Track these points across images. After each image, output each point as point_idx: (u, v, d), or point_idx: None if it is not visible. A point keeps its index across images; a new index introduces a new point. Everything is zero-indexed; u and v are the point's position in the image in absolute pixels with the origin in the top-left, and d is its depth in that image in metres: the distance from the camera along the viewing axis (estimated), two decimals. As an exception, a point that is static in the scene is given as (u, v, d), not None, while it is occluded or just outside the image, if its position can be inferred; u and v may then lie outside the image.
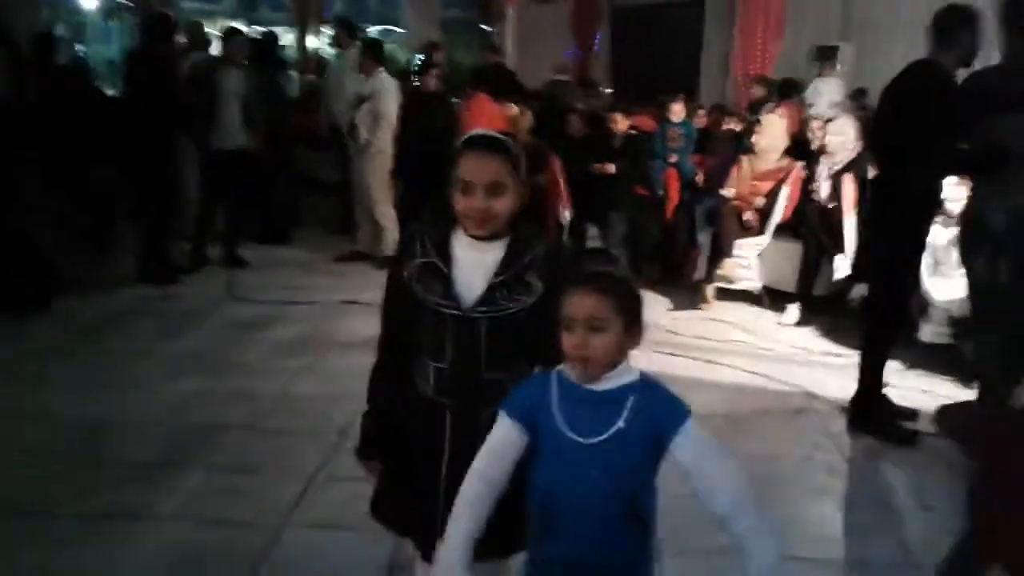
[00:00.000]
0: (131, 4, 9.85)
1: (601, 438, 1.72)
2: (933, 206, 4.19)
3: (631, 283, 1.79)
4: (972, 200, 4.02)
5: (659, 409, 1.74)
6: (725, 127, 7.63)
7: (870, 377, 4.20)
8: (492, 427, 1.85)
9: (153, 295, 6.03)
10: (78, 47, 18.68)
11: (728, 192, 6.20)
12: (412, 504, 2.09)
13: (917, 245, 4.20)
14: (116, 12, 15.34)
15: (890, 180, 4.15)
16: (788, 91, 8.72)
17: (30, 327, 5.28)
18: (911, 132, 3.86)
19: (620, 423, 1.72)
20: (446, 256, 2.03)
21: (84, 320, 5.47)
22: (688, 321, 5.85)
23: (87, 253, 6.78)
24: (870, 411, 4.18)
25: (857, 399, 4.23)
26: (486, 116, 7.13)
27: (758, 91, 9.42)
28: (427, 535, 2.02)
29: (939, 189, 4.24)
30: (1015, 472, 2.24)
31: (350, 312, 5.39)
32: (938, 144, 3.81)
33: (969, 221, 4.00)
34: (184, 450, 3.73)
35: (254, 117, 6.72)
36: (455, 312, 2.00)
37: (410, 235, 2.12)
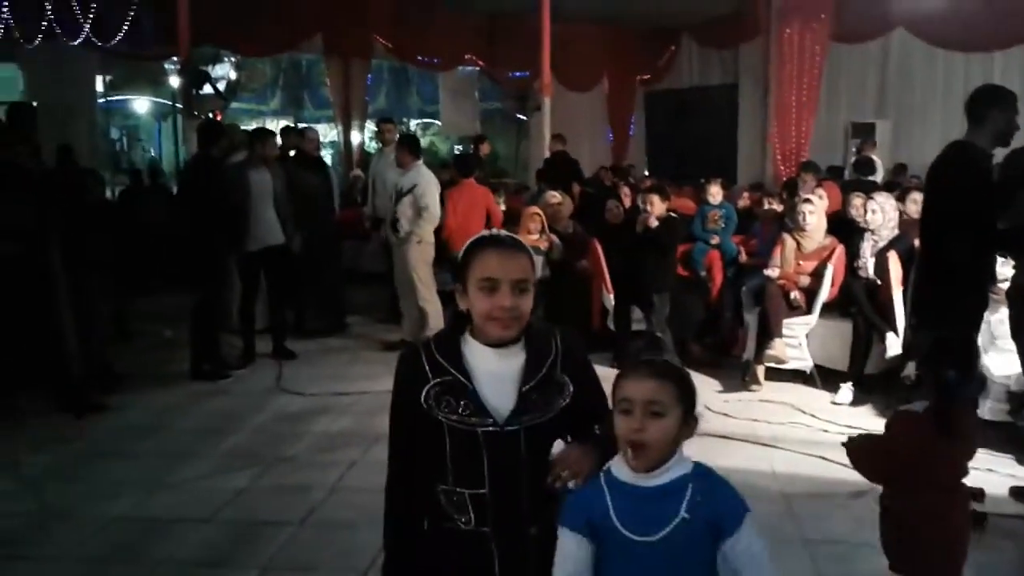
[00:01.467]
0: (181, 105, 10.23)
1: (663, 533, 1.68)
2: (980, 284, 4.13)
3: (688, 374, 1.78)
4: (1017, 276, 4.00)
5: (720, 500, 1.71)
6: (767, 207, 7.64)
7: None
8: (539, 545, 1.80)
9: (203, 391, 6.12)
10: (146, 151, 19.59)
11: (773, 272, 6.17)
12: None
13: (968, 324, 4.11)
14: (168, 114, 15.98)
15: (934, 260, 4.13)
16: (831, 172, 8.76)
17: (87, 426, 5.38)
18: (950, 213, 3.87)
19: (683, 513, 1.68)
20: (464, 370, 1.87)
21: (137, 419, 5.54)
22: (739, 403, 5.76)
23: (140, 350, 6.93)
24: None
25: None
26: (474, 202, 7.44)
27: (808, 178, 9.48)
28: None
29: (986, 267, 4.19)
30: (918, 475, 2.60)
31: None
32: (975, 223, 3.80)
33: (1016, 297, 3.97)
34: (235, 548, 3.72)
35: (283, 213, 6.80)
36: (490, 429, 1.84)
37: (411, 357, 1.93)
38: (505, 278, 1.83)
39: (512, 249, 1.88)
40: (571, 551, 1.74)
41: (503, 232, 1.99)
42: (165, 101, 16.55)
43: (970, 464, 2.75)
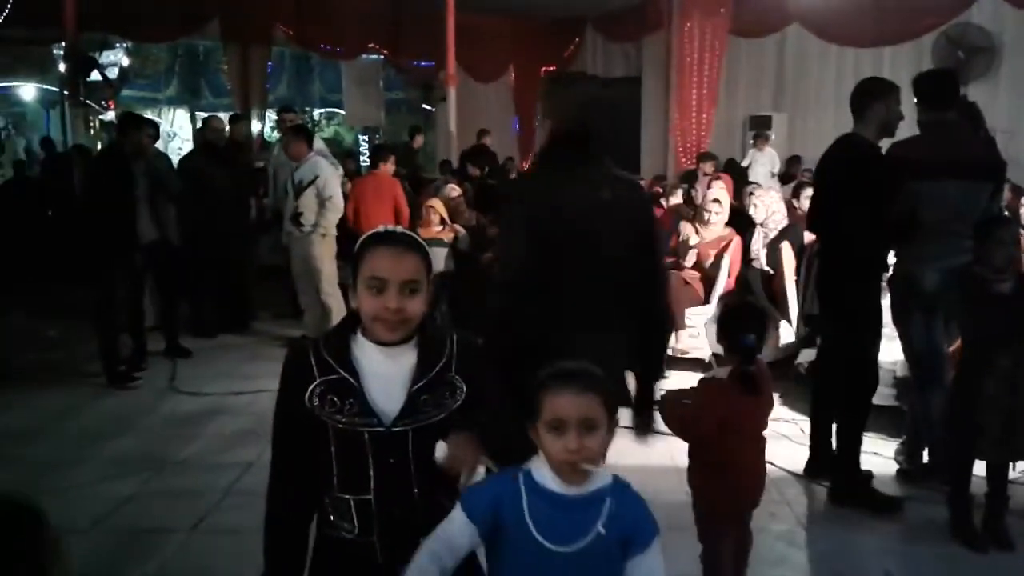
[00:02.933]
0: (67, 93, 9.75)
1: (580, 545, 1.64)
2: (873, 272, 4.26)
3: (604, 376, 1.73)
4: (901, 264, 4.15)
5: (634, 518, 1.69)
6: (669, 199, 7.73)
7: (848, 449, 4.12)
8: None
9: (90, 392, 5.83)
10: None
11: (688, 261, 6.19)
12: None
13: (867, 312, 4.22)
14: (57, 101, 15.25)
15: (827, 250, 4.23)
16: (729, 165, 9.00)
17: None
18: (838, 203, 3.97)
19: (599, 528, 1.65)
20: (352, 369, 1.79)
21: (18, 421, 5.26)
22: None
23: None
24: (854, 483, 4.09)
25: (837, 472, 4.15)
26: (380, 192, 7.35)
27: (706, 167, 9.74)
28: None
29: (877, 256, 4.32)
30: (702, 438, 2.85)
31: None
32: (863, 213, 3.91)
33: (898, 284, 4.13)
34: (120, 559, 3.56)
35: (158, 209, 6.49)
36: (377, 430, 1.76)
37: (300, 354, 1.85)
38: (394, 279, 1.75)
39: (404, 247, 1.80)
40: (458, 530, 1.68)
41: (399, 229, 1.91)
42: (53, 88, 15.78)
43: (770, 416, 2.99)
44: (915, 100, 4.17)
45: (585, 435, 1.63)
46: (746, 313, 3.03)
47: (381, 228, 1.88)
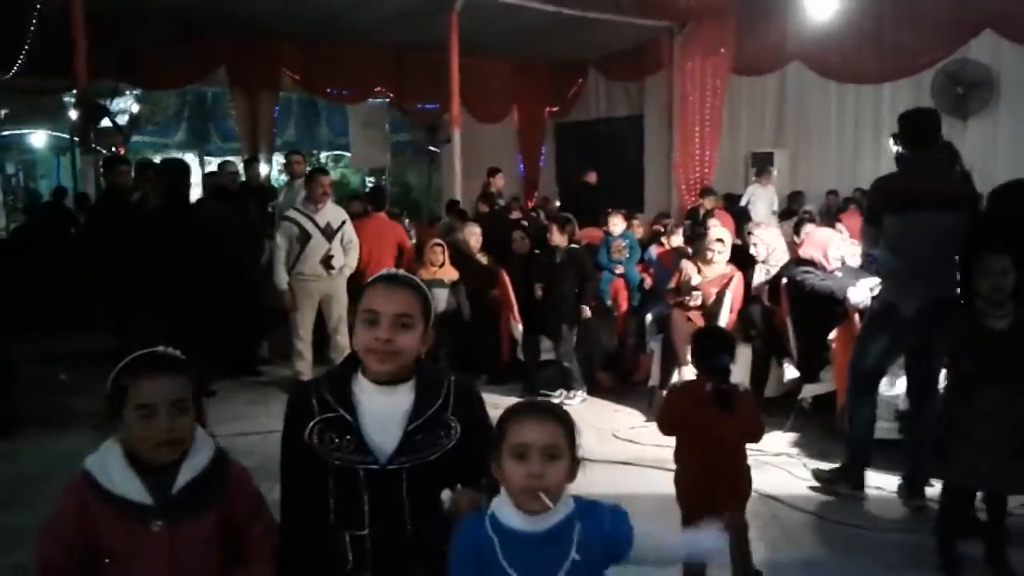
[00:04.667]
0: (77, 139, 9.92)
1: None
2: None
3: (569, 414, 1.79)
4: (883, 292, 4.47)
5: (608, 532, 1.73)
6: (664, 241, 7.73)
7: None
8: None
9: (102, 436, 5.84)
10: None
11: (694, 301, 6.17)
12: None
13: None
14: (67, 148, 15.47)
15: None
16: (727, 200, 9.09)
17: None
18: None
19: (574, 554, 1.68)
20: (351, 407, 1.85)
21: (32, 465, 5.29)
22: (645, 430, 5.82)
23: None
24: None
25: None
26: (382, 235, 7.46)
27: (707, 203, 9.84)
28: None
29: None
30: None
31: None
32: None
33: (878, 310, 4.41)
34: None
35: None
36: (371, 467, 1.81)
37: (302, 393, 1.92)
38: (386, 311, 1.82)
39: (398, 284, 1.88)
40: None
41: (400, 271, 1.99)
42: (63, 135, 16.04)
43: (755, 430, 3.26)
44: (896, 137, 4.37)
45: (547, 463, 1.67)
46: (717, 336, 3.42)
47: (384, 270, 1.97)
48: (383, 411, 1.85)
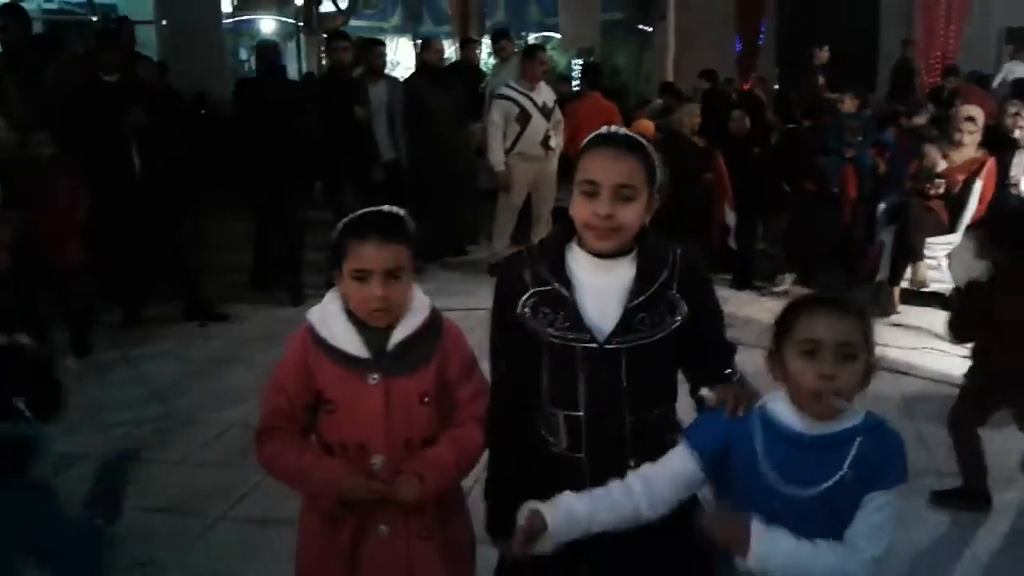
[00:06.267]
0: (302, 24, 10.22)
1: (821, 488, 1.50)
2: None
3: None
4: None
5: (885, 458, 1.52)
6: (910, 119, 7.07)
7: None
8: None
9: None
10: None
11: (938, 189, 5.59)
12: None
13: None
14: (294, 33, 16.08)
15: None
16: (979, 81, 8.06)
17: (211, 336, 5.60)
18: None
19: (845, 469, 1.50)
20: (566, 281, 1.71)
21: (253, 329, 5.67)
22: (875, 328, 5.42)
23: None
24: None
25: None
26: (600, 115, 6.93)
27: (950, 84, 8.80)
28: None
29: None
30: None
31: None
32: None
33: None
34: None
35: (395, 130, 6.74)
36: (589, 345, 1.68)
37: (514, 264, 1.79)
38: (607, 182, 1.64)
39: (620, 149, 1.68)
40: (680, 464, 1.58)
41: (621, 130, 1.76)
42: (289, 20, 16.70)
43: None
44: None
45: (841, 363, 1.47)
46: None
47: (605, 129, 1.76)
48: (601, 286, 1.70)
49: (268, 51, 6.74)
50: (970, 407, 3.29)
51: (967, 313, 3.28)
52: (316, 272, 5.89)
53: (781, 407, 1.55)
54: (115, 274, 5.74)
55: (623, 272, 1.71)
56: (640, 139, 1.73)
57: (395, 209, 1.88)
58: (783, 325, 1.55)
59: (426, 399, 1.85)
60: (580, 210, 1.66)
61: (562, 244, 1.75)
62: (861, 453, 1.50)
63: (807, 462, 1.51)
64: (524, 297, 1.73)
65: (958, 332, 3.26)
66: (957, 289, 3.79)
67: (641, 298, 1.69)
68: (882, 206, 6.13)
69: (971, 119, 5.57)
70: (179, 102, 8.10)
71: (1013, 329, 3.05)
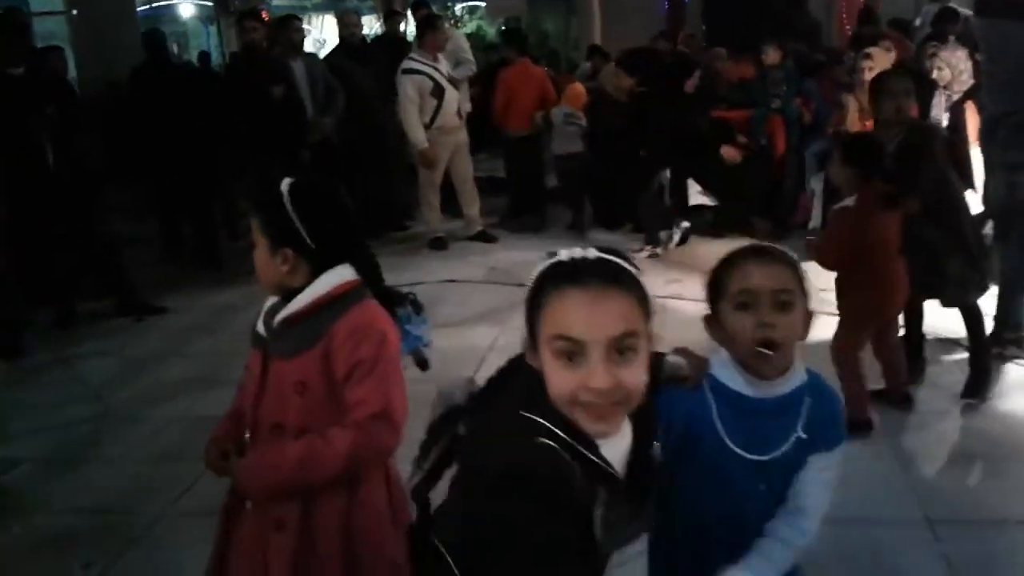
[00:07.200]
0: (218, 4, 9.95)
1: (779, 452, 1.49)
2: None
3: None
4: None
5: (827, 421, 1.53)
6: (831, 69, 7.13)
7: None
8: None
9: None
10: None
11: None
12: None
13: None
14: (214, 16, 15.70)
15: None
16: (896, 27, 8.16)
17: (146, 329, 5.48)
18: None
19: (799, 432, 1.49)
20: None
21: (193, 320, 5.57)
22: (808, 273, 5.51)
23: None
24: None
25: None
26: (532, 81, 7.23)
27: (866, 31, 8.86)
28: None
29: None
30: None
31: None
32: None
33: None
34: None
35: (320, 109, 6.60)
36: None
37: (556, 472, 1.11)
38: (591, 339, 1.11)
39: (612, 287, 1.13)
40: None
41: (590, 253, 1.17)
42: (208, 3, 16.25)
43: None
44: None
45: (779, 312, 1.44)
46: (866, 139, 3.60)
47: (564, 256, 1.17)
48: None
49: (152, 38, 6.69)
50: (846, 336, 3.41)
51: (830, 239, 3.45)
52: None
53: (727, 373, 1.51)
54: (39, 274, 5.56)
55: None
56: (629, 268, 1.18)
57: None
58: (716, 283, 1.52)
59: (301, 389, 1.73)
60: (558, 381, 1.14)
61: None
62: (812, 414, 1.50)
63: (762, 428, 1.50)
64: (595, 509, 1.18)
65: (824, 258, 3.36)
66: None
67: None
68: (810, 154, 6.22)
69: (867, 56, 5.62)
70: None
71: (871, 252, 3.26)
